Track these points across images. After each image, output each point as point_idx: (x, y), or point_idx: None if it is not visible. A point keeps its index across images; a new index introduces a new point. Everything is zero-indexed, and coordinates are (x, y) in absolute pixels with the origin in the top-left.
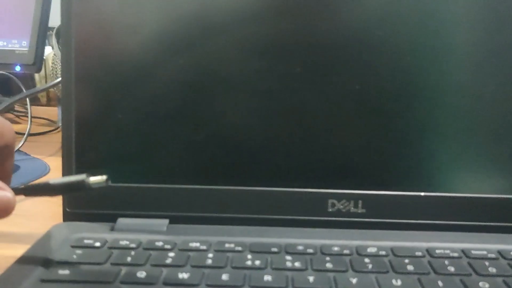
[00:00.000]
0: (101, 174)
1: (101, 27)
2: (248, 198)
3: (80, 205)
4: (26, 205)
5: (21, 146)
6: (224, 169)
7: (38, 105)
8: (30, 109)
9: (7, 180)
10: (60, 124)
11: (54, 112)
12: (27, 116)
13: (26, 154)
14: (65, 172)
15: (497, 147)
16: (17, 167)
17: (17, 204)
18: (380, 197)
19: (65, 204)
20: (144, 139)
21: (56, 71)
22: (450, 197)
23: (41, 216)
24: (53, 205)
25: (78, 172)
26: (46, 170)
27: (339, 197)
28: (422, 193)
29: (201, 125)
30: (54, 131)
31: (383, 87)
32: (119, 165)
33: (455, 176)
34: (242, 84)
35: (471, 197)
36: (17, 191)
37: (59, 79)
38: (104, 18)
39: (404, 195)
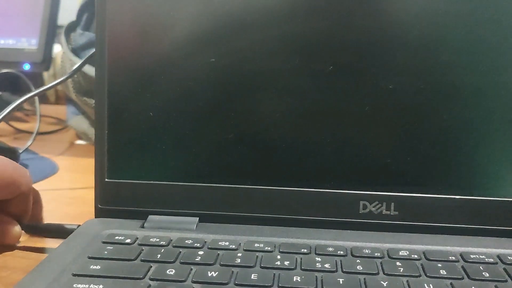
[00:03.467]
0: (132, 171)
1: (134, 25)
2: (279, 198)
3: (112, 202)
4: (60, 201)
5: (29, 145)
6: (255, 168)
7: (47, 104)
8: (39, 108)
9: (25, 217)
10: (68, 123)
11: (63, 111)
12: (36, 115)
13: (34, 153)
14: (98, 170)
15: None
16: (25, 167)
17: (46, 201)
18: (413, 200)
19: (97, 201)
20: (175, 138)
21: (64, 70)
22: (486, 200)
23: (73, 212)
24: (86, 202)
25: (110, 170)
26: (54, 170)
27: (371, 198)
28: (457, 196)
29: (232, 124)
30: (63, 130)
31: (418, 86)
32: (150, 163)
33: (491, 179)
34: (273, 83)
35: (508, 201)
36: (26, 228)
37: (67, 75)
38: (137, 16)
39: (438, 198)
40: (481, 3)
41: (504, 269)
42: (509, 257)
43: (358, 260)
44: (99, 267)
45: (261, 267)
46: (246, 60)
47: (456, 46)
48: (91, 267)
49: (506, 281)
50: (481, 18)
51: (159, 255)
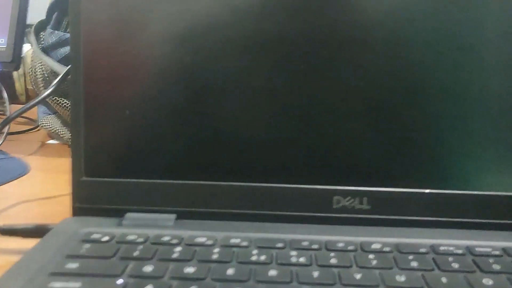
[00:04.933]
0: (109, 169)
1: (109, 24)
2: (254, 194)
3: (89, 200)
4: (33, 202)
5: (0, 145)
6: (231, 165)
7: (17, 104)
8: (9, 108)
9: None
10: (39, 123)
11: (33, 111)
12: (6, 115)
13: (4, 153)
14: (74, 169)
15: (502, 144)
16: None
17: (18, 201)
18: (385, 194)
19: (74, 199)
20: (152, 135)
21: (34, 69)
22: (455, 194)
23: (47, 211)
24: (59, 202)
25: (87, 168)
26: (26, 170)
27: (344, 193)
28: (427, 190)
29: (208, 122)
30: (34, 130)
31: (388, 83)
32: (127, 161)
33: (460, 173)
34: (247, 81)
35: (476, 194)
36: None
37: (53, 86)
38: (112, 15)
39: (408, 192)
40: (452, 2)
41: (473, 260)
42: (477, 249)
43: (332, 254)
44: (77, 265)
45: (238, 262)
46: (218, 58)
47: (425, 43)
48: (68, 266)
49: (474, 271)
50: (449, 16)
51: (136, 253)
